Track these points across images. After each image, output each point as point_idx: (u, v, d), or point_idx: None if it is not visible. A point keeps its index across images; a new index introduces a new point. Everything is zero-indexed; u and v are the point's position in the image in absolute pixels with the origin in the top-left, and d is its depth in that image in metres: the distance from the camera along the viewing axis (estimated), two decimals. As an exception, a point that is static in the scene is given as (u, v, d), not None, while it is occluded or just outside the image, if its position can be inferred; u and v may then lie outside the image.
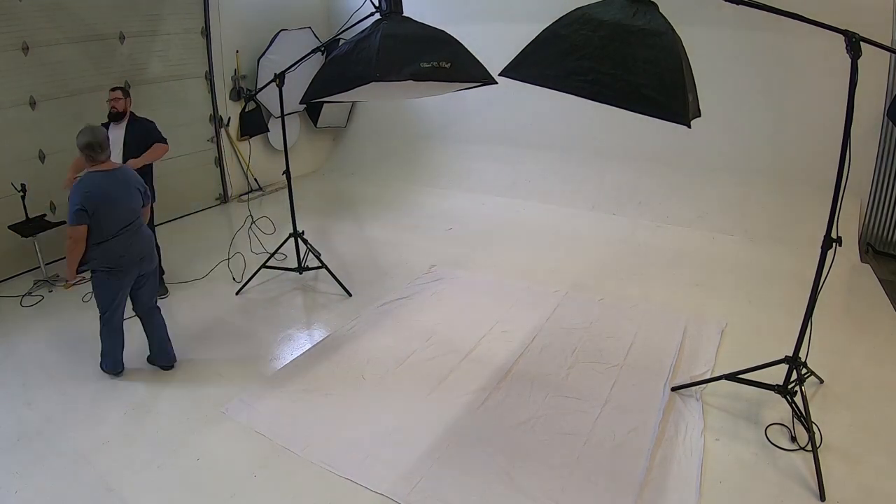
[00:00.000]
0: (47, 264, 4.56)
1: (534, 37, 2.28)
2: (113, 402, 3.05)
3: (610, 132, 5.81)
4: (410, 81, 2.84)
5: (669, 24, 2.14)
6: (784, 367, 2.72)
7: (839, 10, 4.19)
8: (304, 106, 6.90)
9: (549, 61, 2.19)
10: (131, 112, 4.05)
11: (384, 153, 7.33)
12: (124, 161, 3.74)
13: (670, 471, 2.47)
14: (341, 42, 3.68)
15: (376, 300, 4.11)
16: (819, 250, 2.50)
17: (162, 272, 4.15)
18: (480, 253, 4.93)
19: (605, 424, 2.78)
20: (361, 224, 5.81)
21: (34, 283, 4.39)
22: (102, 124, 3.57)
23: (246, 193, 6.68)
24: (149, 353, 3.34)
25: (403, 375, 3.23)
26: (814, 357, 2.83)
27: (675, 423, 2.77)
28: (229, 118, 6.36)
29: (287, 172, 4.25)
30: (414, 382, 3.16)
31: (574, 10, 2.22)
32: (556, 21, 2.24)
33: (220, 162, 6.40)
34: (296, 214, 4.34)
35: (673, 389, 3.01)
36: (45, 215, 4.61)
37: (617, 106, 2.07)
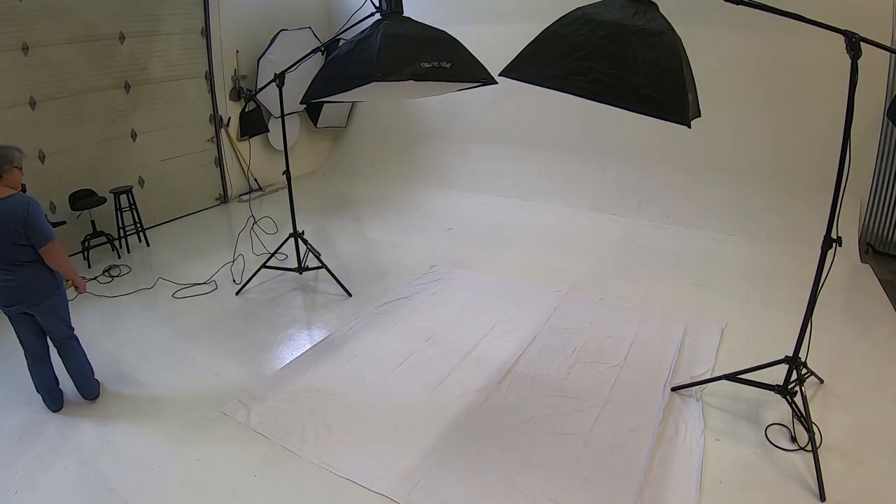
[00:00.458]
0: (47, 264, 4.56)
1: (534, 37, 2.28)
2: (113, 401, 3.05)
3: (610, 132, 5.82)
4: (411, 81, 2.84)
5: (669, 24, 2.14)
6: (784, 367, 2.72)
7: (839, 10, 4.19)
8: (304, 106, 6.91)
9: (549, 61, 2.19)
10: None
11: (384, 153, 7.33)
12: None
13: (670, 471, 2.47)
14: (341, 42, 3.68)
15: (376, 300, 4.11)
16: (819, 250, 2.50)
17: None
18: (480, 253, 4.93)
19: (605, 424, 2.78)
20: (361, 224, 5.81)
21: (34, 283, 4.39)
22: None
23: (246, 193, 6.69)
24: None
25: (403, 375, 3.23)
26: (814, 357, 2.84)
27: (675, 423, 2.77)
28: (229, 118, 6.37)
29: (287, 172, 4.25)
30: (414, 382, 3.16)
31: (574, 10, 2.22)
32: (556, 21, 2.24)
33: (220, 162, 6.40)
34: (296, 214, 4.34)
35: (673, 389, 3.01)
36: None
37: (617, 106, 2.07)
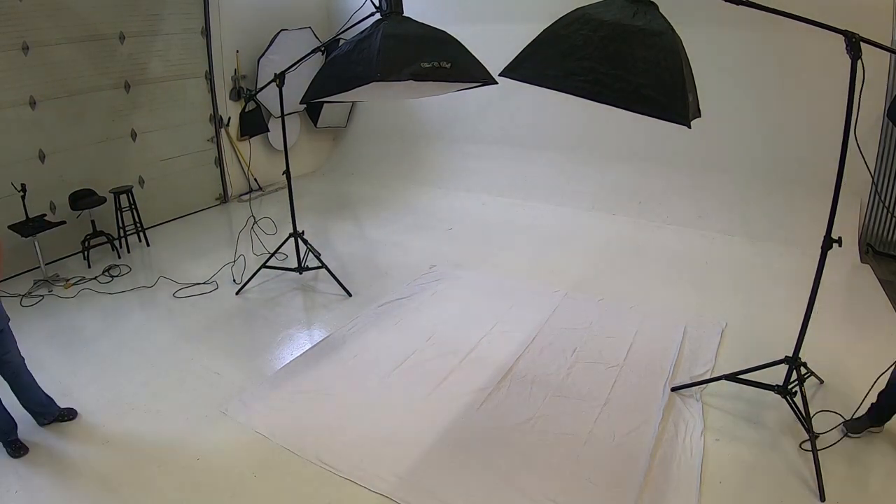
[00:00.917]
0: (47, 264, 4.57)
1: (534, 37, 2.28)
2: (112, 401, 3.06)
3: (610, 132, 5.81)
4: (411, 81, 2.84)
5: (669, 24, 2.14)
6: (784, 368, 2.72)
7: (839, 10, 4.18)
8: (304, 106, 6.90)
9: (549, 61, 2.19)
10: None
11: (384, 153, 7.33)
12: None
13: (670, 471, 2.47)
14: (341, 42, 3.68)
15: (376, 300, 4.11)
16: (819, 250, 2.50)
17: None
18: (480, 253, 4.93)
19: (605, 424, 2.78)
20: (361, 224, 5.81)
21: (34, 283, 4.39)
22: None
23: (246, 193, 6.68)
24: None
25: (403, 375, 3.23)
26: (814, 357, 2.84)
27: (675, 423, 2.77)
28: (229, 118, 6.37)
29: (287, 172, 4.25)
30: (414, 382, 3.16)
31: (574, 10, 2.22)
32: (556, 21, 2.24)
33: (220, 162, 6.40)
34: (296, 214, 4.34)
35: (673, 389, 3.01)
36: (45, 215, 4.61)
37: (617, 106, 2.07)
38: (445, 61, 2.92)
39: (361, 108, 7.68)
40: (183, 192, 6.06)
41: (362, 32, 2.97)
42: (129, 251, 5.13)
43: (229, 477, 2.53)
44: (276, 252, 4.48)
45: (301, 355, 3.47)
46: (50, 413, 2.85)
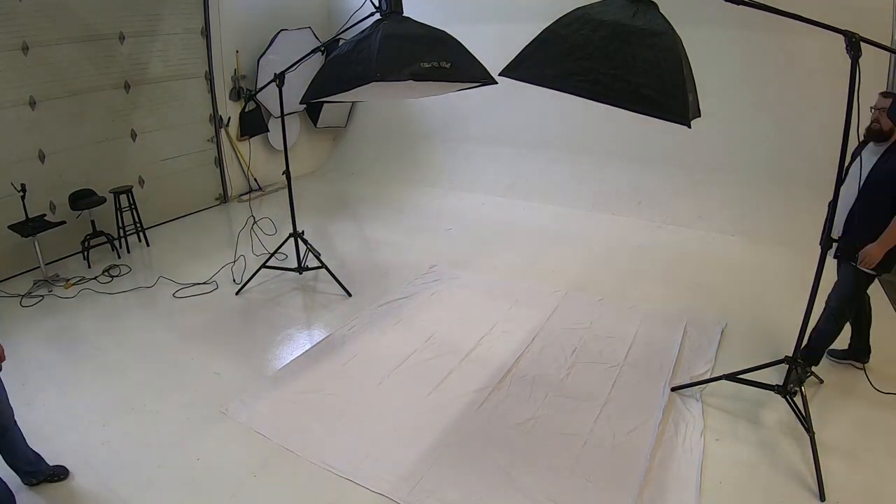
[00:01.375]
0: (47, 264, 4.57)
1: (533, 37, 2.28)
2: (112, 401, 3.06)
3: (610, 132, 5.81)
4: (410, 81, 2.84)
5: (669, 24, 2.14)
6: (784, 367, 2.72)
7: (839, 10, 4.18)
8: (304, 106, 6.90)
9: (550, 61, 2.18)
10: None
11: (384, 153, 7.33)
12: None
13: (670, 471, 2.47)
14: (341, 42, 3.68)
15: (376, 300, 4.11)
16: (819, 250, 2.50)
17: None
18: (480, 253, 4.93)
19: (604, 424, 2.78)
20: (361, 224, 5.81)
21: (34, 283, 4.39)
22: None
23: (246, 193, 6.69)
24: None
25: (403, 375, 3.23)
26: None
27: (675, 423, 2.77)
28: (229, 118, 6.37)
29: (287, 172, 4.25)
30: (414, 382, 3.15)
31: (574, 9, 2.22)
32: (556, 21, 2.24)
33: (219, 162, 6.40)
34: (296, 214, 4.34)
35: (673, 389, 3.01)
36: (44, 215, 4.61)
37: (617, 106, 2.06)
38: (445, 61, 2.92)
39: (361, 108, 7.68)
40: (183, 192, 6.06)
41: (362, 32, 2.97)
42: (128, 251, 5.13)
43: (229, 477, 2.53)
44: (275, 252, 4.48)
45: (301, 355, 3.47)
46: (39, 472, 2.49)
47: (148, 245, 5.29)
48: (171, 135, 5.86)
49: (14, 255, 4.56)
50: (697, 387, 3.00)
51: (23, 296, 4.25)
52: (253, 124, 6.31)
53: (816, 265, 2.50)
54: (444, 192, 6.47)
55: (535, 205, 5.94)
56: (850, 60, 2.16)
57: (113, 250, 5.06)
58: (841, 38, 2.15)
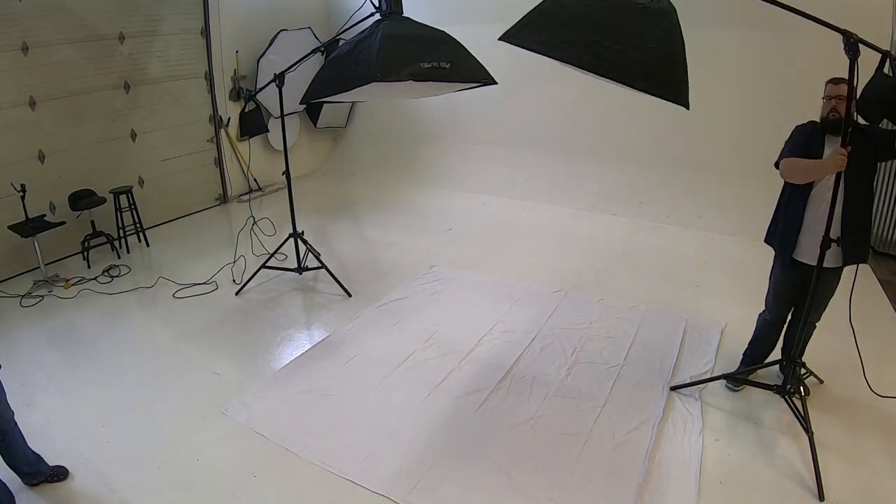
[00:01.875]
0: (47, 264, 4.57)
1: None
2: (112, 401, 3.06)
3: (610, 132, 5.81)
4: (410, 82, 2.84)
5: (673, 7, 2.11)
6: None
7: (839, 10, 4.18)
8: (304, 106, 6.91)
9: (551, 30, 2.10)
10: None
11: (384, 153, 7.33)
12: None
13: (670, 471, 2.48)
14: (341, 42, 3.68)
15: (376, 300, 4.11)
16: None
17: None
18: (480, 253, 4.93)
19: (604, 424, 2.78)
20: (361, 224, 5.81)
21: (34, 283, 4.40)
22: None
23: (246, 193, 6.68)
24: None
25: (403, 375, 3.23)
26: (813, 357, 2.84)
27: (675, 422, 2.77)
28: (229, 118, 6.37)
29: (287, 172, 4.26)
30: (414, 382, 3.16)
31: None
32: None
33: (219, 162, 6.40)
34: (295, 214, 4.34)
35: (673, 389, 3.01)
36: (44, 215, 4.62)
37: (616, 81, 2.00)
38: (445, 61, 2.92)
39: (361, 109, 7.68)
40: (183, 193, 6.06)
41: (362, 33, 2.96)
42: (128, 251, 5.13)
43: (229, 477, 2.53)
44: (275, 252, 4.48)
45: (301, 355, 3.47)
46: (39, 472, 2.50)
47: (148, 245, 5.29)
48: (170, 135, 5.86)
49: (14, 255, 4.56)
50: (697, 387, 3.00)
51: (23, 296, 4.25)
52: (253, 124, 6.29)
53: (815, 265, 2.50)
54: (444, 192, 6.47)
55: (535, 205, 5.94)
56: (848, 60, 2.16)
57: (113, 250, 5.06)
58: (840, 39, 2.15)
